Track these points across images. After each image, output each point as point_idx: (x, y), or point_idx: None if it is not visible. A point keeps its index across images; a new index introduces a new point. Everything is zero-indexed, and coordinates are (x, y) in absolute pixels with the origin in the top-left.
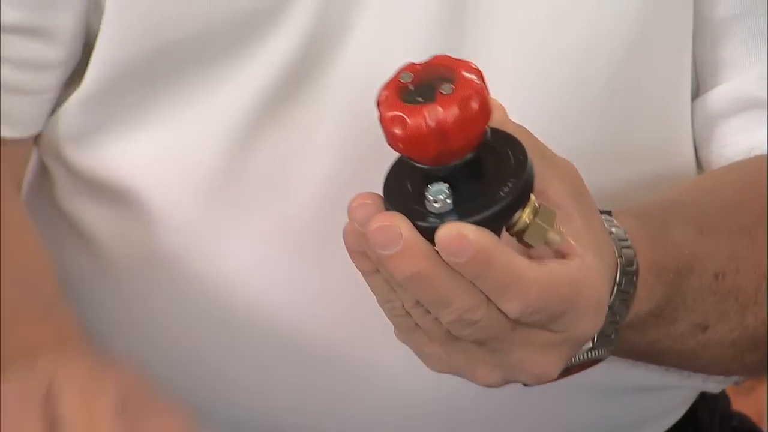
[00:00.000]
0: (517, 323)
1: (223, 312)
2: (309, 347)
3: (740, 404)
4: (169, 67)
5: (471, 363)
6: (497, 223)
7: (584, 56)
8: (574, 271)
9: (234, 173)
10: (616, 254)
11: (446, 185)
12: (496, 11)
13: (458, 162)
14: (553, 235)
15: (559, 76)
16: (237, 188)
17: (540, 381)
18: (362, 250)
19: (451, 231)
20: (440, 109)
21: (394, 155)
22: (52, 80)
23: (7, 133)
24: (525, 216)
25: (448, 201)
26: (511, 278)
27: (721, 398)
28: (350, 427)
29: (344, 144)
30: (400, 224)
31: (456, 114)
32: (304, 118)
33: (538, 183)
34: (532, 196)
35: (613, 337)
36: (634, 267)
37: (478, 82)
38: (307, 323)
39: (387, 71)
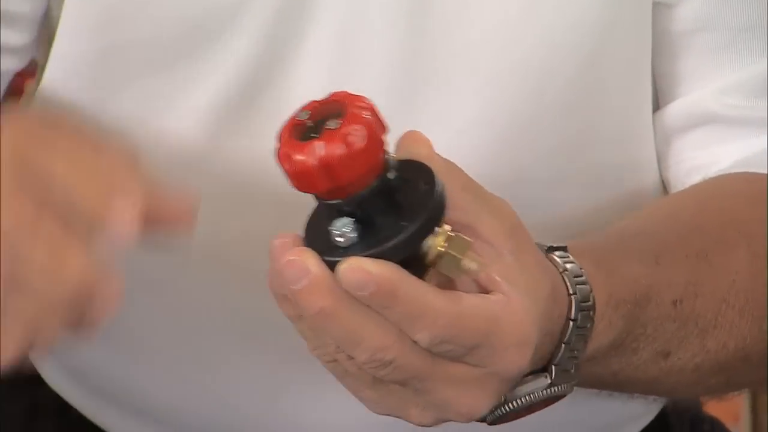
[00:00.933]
0: (434, 358)
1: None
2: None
3: (715, 406)
4: (122, 69)
5: (403, 405)
6: (402, 254)
7: (540, 66)
8: (494, 306)
9: (191, 182)
10: (570, 290)
11: (352, 219)
12: (458, 16)
13: (358, 195)
14: (467, 264)
15: (516, 87)
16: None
17: (470, 418)
18: (284, 293)
19: (350, 265)
20: (323, 144)
21: None
22: (12, 65)
23: None
24: (436, 245)
25: (352, 235)
26: (419, 308)
27: (692, 401)
28: None
29: None
30: (307, 259)
31: (341, 149)
32: (262, 126)
33: (469, 219)
34: (445, 226)
35: (573, 371)
36: (591, 302)
37: (367, 116)
38: None
39: (347, 76)
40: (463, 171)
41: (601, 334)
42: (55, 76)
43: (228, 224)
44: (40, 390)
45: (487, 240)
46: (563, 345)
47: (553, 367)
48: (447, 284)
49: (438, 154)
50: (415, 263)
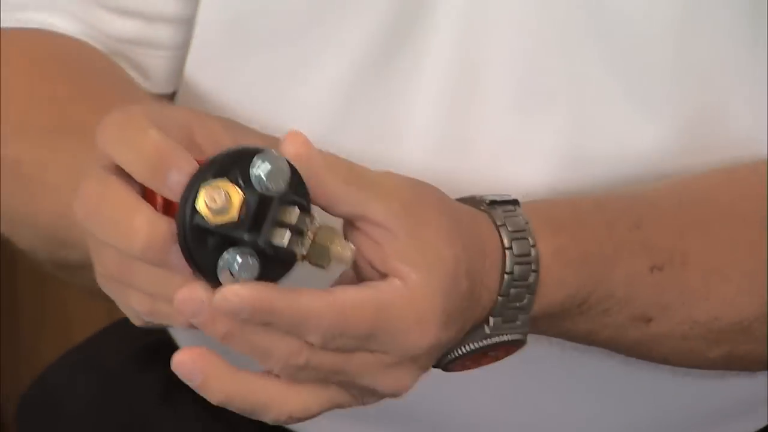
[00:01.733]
0: (341, 353)
1: None
2: None
3: None
4: (250, 39)
5: (337, 397)
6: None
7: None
8: (381, 294)
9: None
10: (506, 244)
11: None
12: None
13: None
14: (338, 252)
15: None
16: None
17: (400, 395)
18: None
19: (222, 295)
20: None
21: (492, 121)
22: (181, 36)
23: (145, 87)
24: (308, 240)
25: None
26: (299, 316)
27: None
28: None
29: (442, 114)
30: (199, 292)
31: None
32: (391, 97)
33: (357, 210)
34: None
35: (519, 323)
36: (531, 255)
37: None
38: None
39: (477, 46)
40: (343, 162)
41: (552, 289)
42: (194, 46)
43: None
44: None
45: (381, 224)
46: (499, 298)
47: (491, 318)
48: (353, 280)
49: (316, 151)
50: (287, 265)
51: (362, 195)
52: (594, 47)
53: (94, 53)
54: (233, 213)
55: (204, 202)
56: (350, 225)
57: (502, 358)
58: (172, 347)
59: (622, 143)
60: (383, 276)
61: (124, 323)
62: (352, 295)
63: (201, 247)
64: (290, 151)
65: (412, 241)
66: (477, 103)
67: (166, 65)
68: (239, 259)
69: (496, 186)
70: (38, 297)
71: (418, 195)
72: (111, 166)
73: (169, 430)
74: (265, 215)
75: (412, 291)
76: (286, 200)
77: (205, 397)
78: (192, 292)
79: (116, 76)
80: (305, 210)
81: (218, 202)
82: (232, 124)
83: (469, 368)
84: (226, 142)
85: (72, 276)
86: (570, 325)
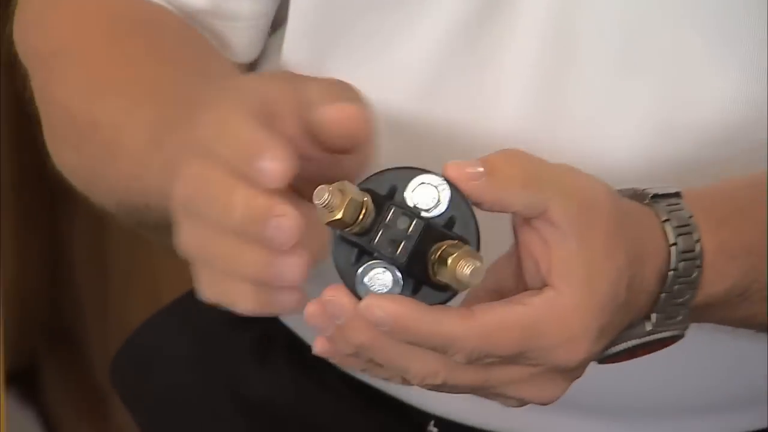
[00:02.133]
0: (486, 367)
1: None
2: None
3: None
4: (346, 5)
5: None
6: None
7: None
8: (530, 310)
9: (423, 117)
10: (670, 240)
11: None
12: None
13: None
14: (462, 273)
15: None
16: (425, 133)
17: (548, 403)
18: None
19: (366, 305)
20: None
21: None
22: (260, 6)
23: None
24: (434, 263)
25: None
26: (442, 338)
27: None
28: None
29: (536, 79)
30: (342, 297)
31: None
32: (484, 61)
33: (540, 206)
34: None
35: (681, 318)
36: (696, 251)
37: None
38: None
39: (570, 8)
40: (517, 164)
41: (714, 283)
42: (291, 18)
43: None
44: (273, 323)
45: (556, 223)
46: (662, 295)
47: (652, 315)
48: (515, 285)
49: (482, 171)
50: (430, 281)
51: (542, 195)
52: (690, 13)
53: (173, 17)
54: (336, 213)
55: (321, 200)
56: (523, 221)
57: (658, 350)
58: None
59: (715, 109)
60: (542, 281)
61: None
62: (498, 316)
63: (344, 255)
64: (453, 176)
65: (580, 250)
66: (571, 69)
67: (246, 35)
68: (377, 273)
69: (590, 152)
70: (127, 258)
71: (593, 195)
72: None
73: (262, 390)
74: (424, 238)
75: (566, 310)
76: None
77: (344, 339)
78: (337, 294)
79: (194, 40)
80: (452, 238)
81: (333, 201)
82: (294, 78)
83: (622, 360)
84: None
85: (151, 234)
86: (728, 313)
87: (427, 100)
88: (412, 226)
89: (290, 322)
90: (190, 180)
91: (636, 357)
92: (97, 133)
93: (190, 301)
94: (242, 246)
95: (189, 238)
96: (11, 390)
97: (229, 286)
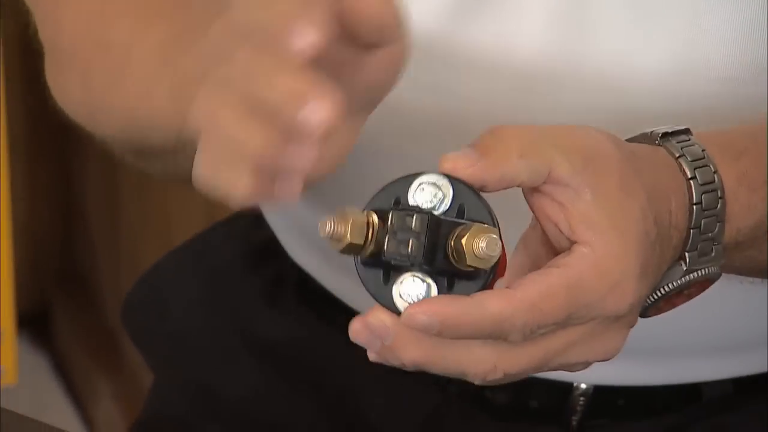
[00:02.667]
0: (540, 342)
1: None
2: None
3: None
4: None
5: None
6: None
7: None
8: (568, 271)
9: (444, 40)
10: (689, 174)
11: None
12: None
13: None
14: (478, 250)
15: None
16: (448, 55)
17: (610, 358)
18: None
19: (409, 315)
20: None
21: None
22: None
23: None
24: (453, 252)
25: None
26: (491, 322)
27: None
28: None
29: (556, 16)
30: (384, 317)
31: None
32: (498, 14)
33: (544, 169)
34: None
35: (714, 255)
36: (716, 182)
37: None
38: None
39: None
40: (510, 135)
41: (740, 216)
42: None
43: (464, 101)
44: (284, 261)
45: (564, 181)
46: (691, 230)
47: (687, 254)
48: (546, 253)
49: (477, 155)
50: (467, 270)
51: (543, 158)
52: None
53: None
54: (345, 240)
55: (326, 232)
56: (532, 190)
57: (695, 295)
58: (278, 246)
59: (733, 48)
60: (569, 240)
61: (227, 222)
62: (538, 285)
63: (372, 280)
64: (450, 169)
65: (596, 199)
66: (591, 8)
67: None
68: (409, 284)
69: (611, 86)
70: (139, 200)
71: (595, 145)
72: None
73: (276, 332)
74: (437, 237)
75: (602, 258)
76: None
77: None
78: (378, 315)
79: None
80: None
81: (337, 229)
82: None
83: (663, 311)
84: None
85: (149, 163)
86: (756, 253)
87: (449, 23)
88: (415, 221)
89: (302, 261)
90: (235, 62)
91: (676, 305)
92: (107, 55)
93: (201, 242)
94: (259, 124)
95: (205, 105)
96: (23, 333)
97: (230, 166)
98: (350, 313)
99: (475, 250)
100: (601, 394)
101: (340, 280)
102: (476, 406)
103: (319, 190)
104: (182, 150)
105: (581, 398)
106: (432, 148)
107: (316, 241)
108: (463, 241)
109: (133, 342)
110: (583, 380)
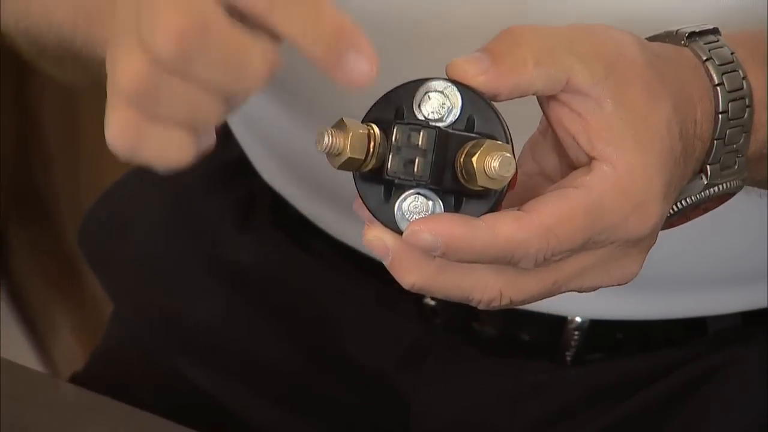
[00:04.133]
0: (554, 267)
1: None
2: None
3: None
4: None
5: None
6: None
7: None
8: (588, 192)
9: None
10: (716, 80)
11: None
12: None
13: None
14: (490, 169)
15: None
16: None
17: (626, 282)
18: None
19: (411, 232)
20: None
21: None
22: None
23: None
24: (461, 170)
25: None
26: (501, 246)
27: None
28: None
29: None
30: (384, 236)
31: None
32: None
33: (561, 77)
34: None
35: (737, 167)
36: (744, 89)
37: None
38: None
39: None
40: (528, 36)
41: (766, 126)
42: None
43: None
44: (255, 182)
45: (584, 91)
46: (715, 141)
47: (708, 166)
48: (558, 162)
49: (487, 64)
50: (475, 190)
51: (560, 66)
52: None
53: None
54: (344, 154)
55: (324, 145)
56: (548, 97)
57: (713, 208)
58: (248, 165)
59: None
60: (588, 155)
61: None
62: (554, 208)
63: (372, 196)
64: (459, 75)
65: (619, 111)
66: None
67: None
68: (412, 202)
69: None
70: (100, 113)
71: (617, 49)
72: None
73: (245, 257)
74: (446, 151)
75: (624, 177)
76: (454, 129)
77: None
78: (377, 233)
79: None
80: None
81: (335, 143)
82: None
83: (675, 225)
84: None
85: (52, 67)
86: None
87: None
88: (421, 138)
89: (275, 182)
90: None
91: (690, 219)
92: None
93: None
94: (206, 91)
95: (131, 67)
96: None
97: (163, 131)
98: (328, 240)
99: (487, 170)
100: (597, 327)
101: (318, 205)
102: (463, 339)
103: (293, 100)
104: (78, 59)
105: (576, 332)
106: (419, 55)
107: (289, 160)
108: (474, 159)
109: (91, 266)
110: (578, 313)
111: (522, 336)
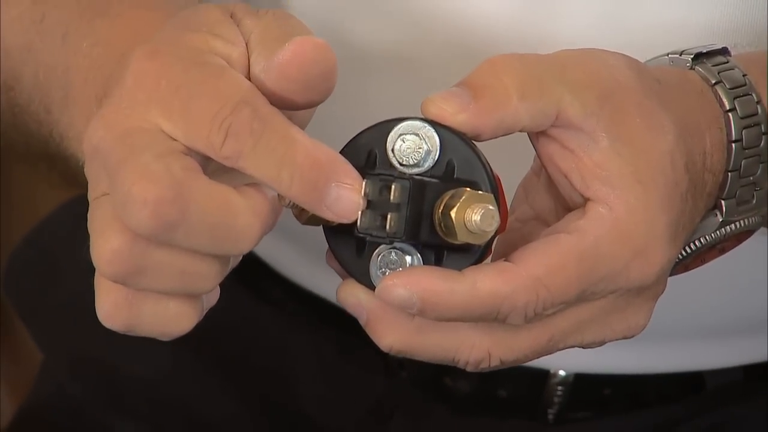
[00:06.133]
0: (548, 323)
1: None
2: None
3: None
4: None
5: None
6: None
7: None
8: (581, 237)
9: None
10: (727, 106)
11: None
12: None
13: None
14: (471, 224)
15: None
16: None
17: (636, 334)
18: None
19: (384, 288)
20: None
21: None
22: None
23: None
24: (440, 223)
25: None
26: (484, 302)
27: None
28: None
29: None
30: (358, 293)
31: None
32: None
33: (551, 110)
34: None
35: (754, 202)
36: (759, 115)
37: None
38: None
39: None
40: (511, 66)
41: None
42: None
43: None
44: None
45: (576, 125)
46: (729, 174)
47: (723, 202)
48: (553, 204)
49: (467, 98)
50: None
51: (548, 98)
52: None
53: None
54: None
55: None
56: (538, 133)
57: (730, 249)
58: None
59: (733, 9)
60: (582, 197)
61: None
62: (543, 258)
63: (344, 251)
64: (435, 114)
65: (615, 145)
66: None
67: None
68: (387, 257)
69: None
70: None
71: (611, 76)
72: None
73: None
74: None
75: (623, 219)
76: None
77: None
78: (350, 290)
79: None
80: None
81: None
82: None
83: (691, 268)
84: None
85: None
86: None
87: None
88: (393, 191)
89: None
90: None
91: (706, 261)
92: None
93: None
94: (201, 255)
95: (109, 246)
96: None
97: (157, 303)
98: (284, 284)
99: (468, 224)
100: (582, 382)
101: (275, 245)
102: (433, 395)
103: None
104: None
105: (559, 387)
106: (393, 89)
107: None
108: (453, 212)
109: (18, 313)
110: (561, 366)
111: (499, 392)
